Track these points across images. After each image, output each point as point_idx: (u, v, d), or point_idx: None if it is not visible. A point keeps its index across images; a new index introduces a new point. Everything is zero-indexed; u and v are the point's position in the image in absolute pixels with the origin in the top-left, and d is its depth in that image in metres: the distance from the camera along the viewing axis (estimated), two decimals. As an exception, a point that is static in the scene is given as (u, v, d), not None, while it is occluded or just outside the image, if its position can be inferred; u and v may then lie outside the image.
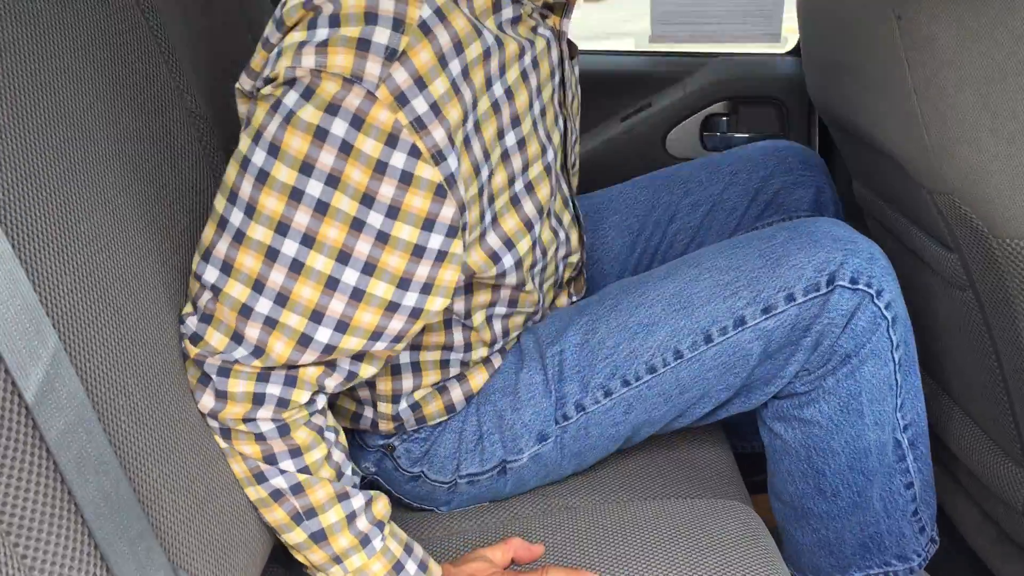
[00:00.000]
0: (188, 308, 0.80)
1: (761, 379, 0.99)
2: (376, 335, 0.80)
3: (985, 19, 0.91)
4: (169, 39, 0.92)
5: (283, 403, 0.80)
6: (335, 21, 0.73)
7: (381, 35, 0.72)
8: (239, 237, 0.76)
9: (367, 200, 0.74)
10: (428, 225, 0.77)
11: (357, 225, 0.75)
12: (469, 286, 0.93)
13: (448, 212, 0.77)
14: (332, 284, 0.76)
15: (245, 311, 0.76)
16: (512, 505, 1.08)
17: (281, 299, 0.76)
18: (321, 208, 0.74)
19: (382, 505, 0.89)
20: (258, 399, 0.79)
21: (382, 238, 0.76)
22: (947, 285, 1.11)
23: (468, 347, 0.98)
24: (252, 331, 0.77)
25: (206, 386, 0.79)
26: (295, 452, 0.82)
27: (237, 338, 0.77)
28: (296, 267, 0.75)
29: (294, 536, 0.84)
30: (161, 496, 0.68)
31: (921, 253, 1.15)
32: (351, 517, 0.85)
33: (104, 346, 0.66)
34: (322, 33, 0.73)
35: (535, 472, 1.04)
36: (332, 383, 0.83)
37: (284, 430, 0.81)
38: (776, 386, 0.99)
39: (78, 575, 0.58)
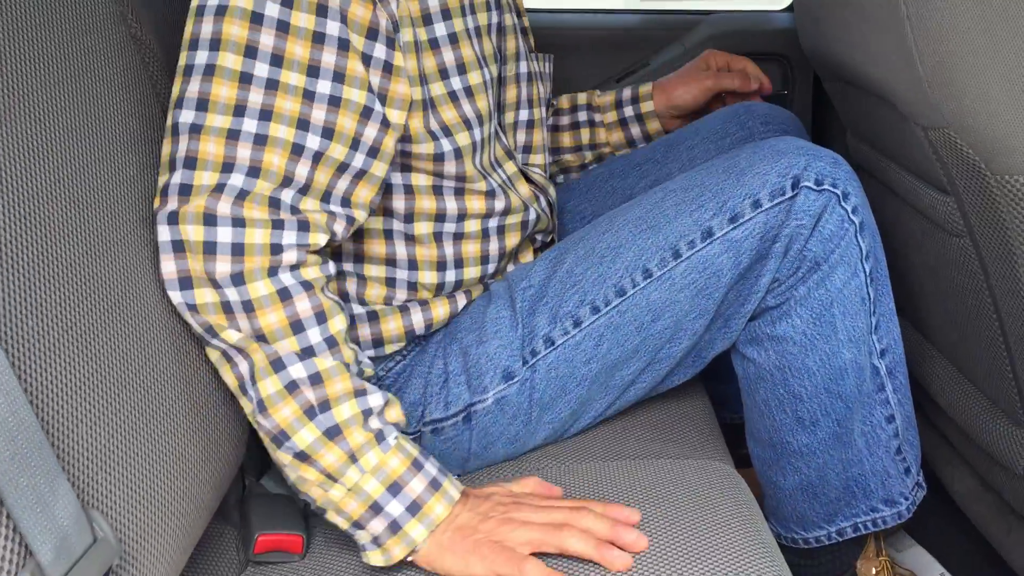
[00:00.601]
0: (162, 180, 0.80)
1: (736, 300, 0.96)
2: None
3: None
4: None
5: (303, 248, 0.81)
6: None
7: None
8: (196, 130, 0.78)
9: (312, 71, 0.81)
10: (372, 33, 0.84)
11: (308, 96, 0.81)
12: (408, 177, 0.96)
13: (383, 23, 0.85)
14: (297, 150, 0.81)
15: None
16: (483, 473, 1.03)
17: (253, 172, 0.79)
18: (271, 84, 0.79)
19: (395, 412, 0.85)
20: (276, 249, 0.79)
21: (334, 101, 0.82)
22: (943, 233, 1.05)
23: (413, 264, 0.98)
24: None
25: (214, 249, 0.78)
26: (320, 317, 0.81)
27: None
28: (260, 140, 0.79)
29: (305, 435, 0.80)
30: (74, 428, 0.64)
31: (916, 201, 1.09)
32: (367, 414, 0.82)
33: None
34: None
35: (502, 427, 0.99)
36: (339, 228, 0.84)
37: (308, 286, 0.81)
38: (752, 303, 0.96)
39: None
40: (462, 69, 0.96)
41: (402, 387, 1.01)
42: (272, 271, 0.79)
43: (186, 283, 0.79)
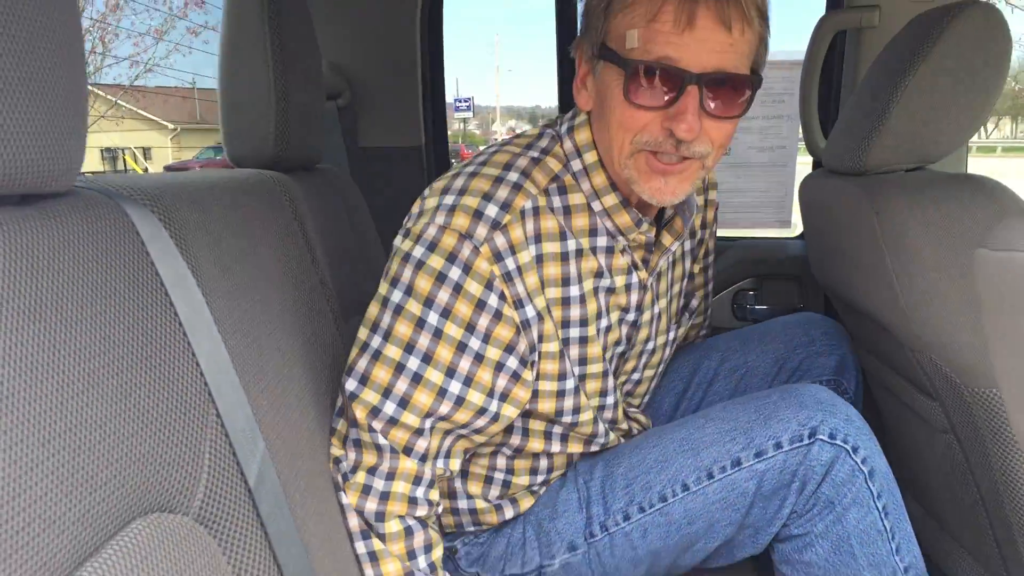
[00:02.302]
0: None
1: (762, 520, 1.15)
2: (466, 426, 1.08)
3: (943, 212, 1.18)
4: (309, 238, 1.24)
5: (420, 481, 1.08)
6: (463, 192, 1.04)
7: (491, 210, 1.03)
8: (376, 355, 1.04)
9: (470, 327, 1.03)
10: (509, 350, 1.05)
11: (461, 347, 1.03)
12: (526, 423, 1.19)
13: (523, 346, 1.05)
14: (441, 393, 1.04)
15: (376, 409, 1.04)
16: None
17: (403, 403, 1.04)
18: (437, 333, 1.02)
19: None
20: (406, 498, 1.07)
21: (479, 358, 1.04)
22: (933, 430, 1.32)
23: (511, 471, 1.24)
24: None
25: (367, 493, 1.05)
26: (428, 548, 1.08)
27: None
28: (416, 379, 1.03)
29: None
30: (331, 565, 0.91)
31: (912, 404, 1.37)
32: None
33: (285, 450, 0.91)
34: (451, 195, 1.04)
35: None
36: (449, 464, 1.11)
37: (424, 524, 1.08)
38: (776, 526, 1.15)
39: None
40: (583, 360, 1.16)
41: (490, 544, 1.25)
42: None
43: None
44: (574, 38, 1.12)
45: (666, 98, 0.99)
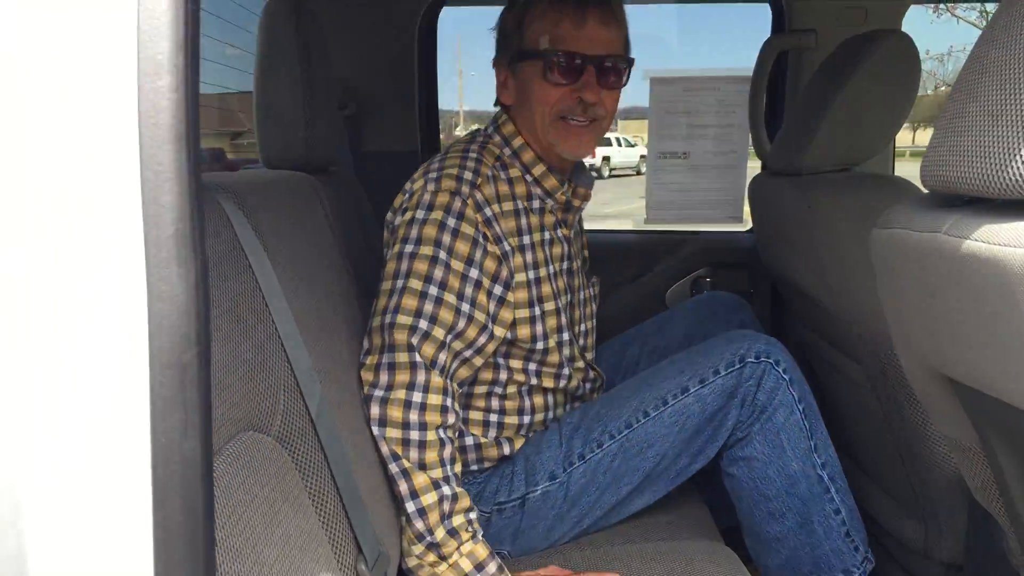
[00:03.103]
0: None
1: (711, 433, 1.43)
2: (472, 344, 1.35)
3: (861, 203, 1.43)
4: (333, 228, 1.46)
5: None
6: (442, 169, 1.37)
7: (467, 175, 1.37)
8: (403, 291, 1.30)
9: (469, 261, 1.34)
10: (495, 279, 1.35)
11: (464, 277, 1.32)
12: (508, 362, 1.46)
13: (504, 274, 1.36)
14: (457, 311, 1.32)
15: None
16: (515, 563, 1.45)
17: (432, 319, 1.31)
18: (446, 265, 1.32)
19: (476, 515, 1.31)
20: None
21: (478, 284, 1.34)
22: (857, 389, 1.57)
23: (503, 411, 1.49)
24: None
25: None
26: (453, 459, 1.30)
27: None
28: (438, 301, 1.31)
29: (438, 532, 1.26)
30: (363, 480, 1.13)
31: (840, 367, 1.63)
32: (470, 522, 1.29)
33: (337, 390, 1.12)
34: (435, 171, 1.38)
35: (544, 512, 1.44)
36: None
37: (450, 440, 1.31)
38: (722, 437, 1.43)
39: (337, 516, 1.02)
40: (540, 299, 1.47)
41: (486, 481, 1.49)
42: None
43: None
44: None
45: (573, 75, 1.41)
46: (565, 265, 1.55)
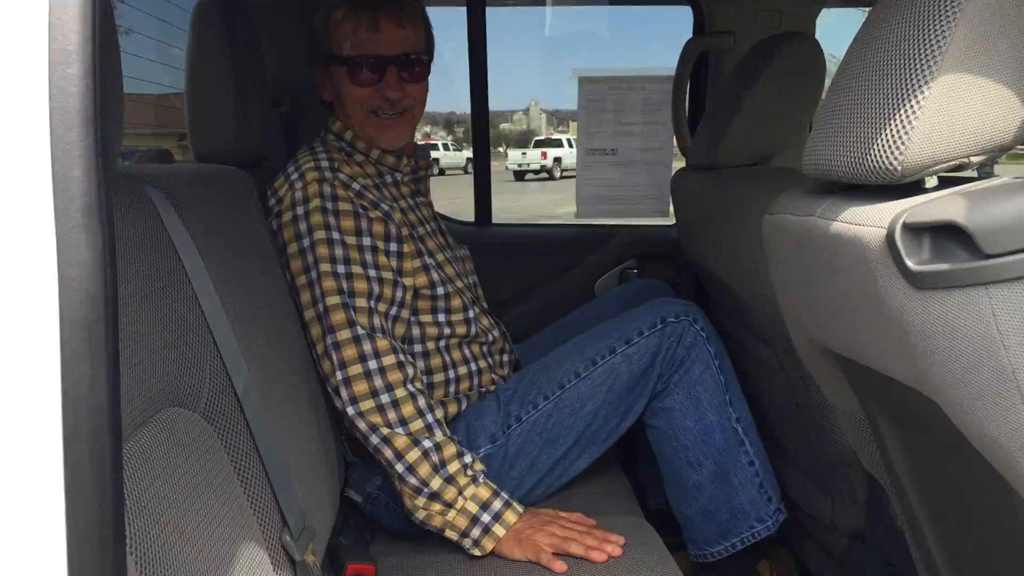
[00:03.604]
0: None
1: (637, 390, 1.53)
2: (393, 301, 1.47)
3: (771, 195, 1.51)
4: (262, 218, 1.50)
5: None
6: (299, 167, 1.49)
7: (324, 163, 1.50)
8: (319, 278, 1.41)
9: (359, 232, 1.44)
10: (387, 238, 1.47)
11: (360, 247, 1.44)
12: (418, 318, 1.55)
13: (393, 230, 1.48)
14: (368, 279, 1.43)
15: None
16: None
17: (352, 293, 1.42)
18: (343, 242, 1.42)
19: (477, 463, 1.40)
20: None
21: (374, 249, 1.45)
22: (771, 373, 1.66)
23: (428, 371, 1.57)
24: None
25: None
26: (432, 407, 1.40)
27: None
28: (349, 275, 1.41)
29: (434, 482, 1.35)
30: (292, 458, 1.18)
31: (755, 353, 1.72)
32: (466, 467, 1.39)
33: (262, 369, 1.17)
34: (293, 172, 1.50)
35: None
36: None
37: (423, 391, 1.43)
38: (648, 393, 1.54)
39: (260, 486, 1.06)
40: (429, 251, 1.61)
41: None
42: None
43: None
44: (485, 45, 1.61)
45: (376, 75, 1.55)
46: (435, 225, 1.71)
